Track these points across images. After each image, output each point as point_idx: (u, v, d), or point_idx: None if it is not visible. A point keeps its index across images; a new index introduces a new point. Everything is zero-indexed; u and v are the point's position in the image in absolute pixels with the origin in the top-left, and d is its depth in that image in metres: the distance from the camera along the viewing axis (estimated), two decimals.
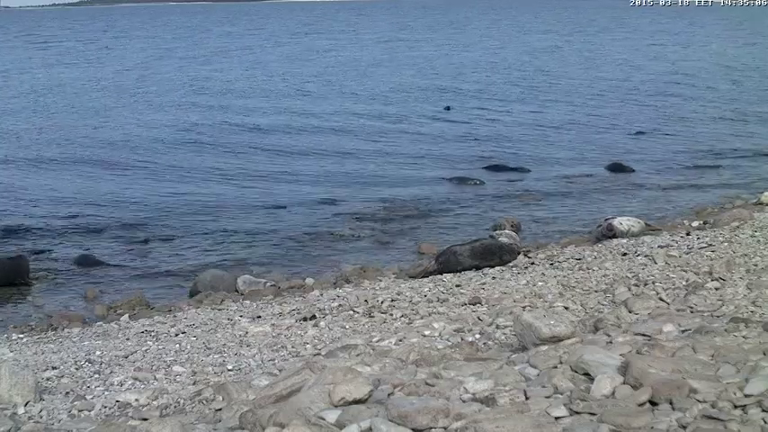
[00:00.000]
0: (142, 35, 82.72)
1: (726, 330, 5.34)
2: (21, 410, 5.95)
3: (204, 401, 5.70)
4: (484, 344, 6.93)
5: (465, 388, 4.25)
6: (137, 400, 6.10)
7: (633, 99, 31.17)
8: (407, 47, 59.09)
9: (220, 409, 5.19)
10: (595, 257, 10.45)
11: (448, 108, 28.76)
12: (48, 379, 6.95)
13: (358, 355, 6.48)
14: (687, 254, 9.78)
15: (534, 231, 14.12)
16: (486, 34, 73.53)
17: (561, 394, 4.05)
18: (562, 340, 5.43)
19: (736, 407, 3.64)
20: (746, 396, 3.72)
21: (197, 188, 17.68)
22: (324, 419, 3.88)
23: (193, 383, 6.57)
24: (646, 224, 12.74)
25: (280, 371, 6.43)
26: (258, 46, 63.55)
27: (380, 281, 10.77)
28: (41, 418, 5.88)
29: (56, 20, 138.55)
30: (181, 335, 8.50)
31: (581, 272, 9.55)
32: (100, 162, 20.28)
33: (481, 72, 40.70)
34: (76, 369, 7.28)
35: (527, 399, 4.02)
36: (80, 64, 48.41)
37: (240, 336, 8.12)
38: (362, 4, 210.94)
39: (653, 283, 8.38)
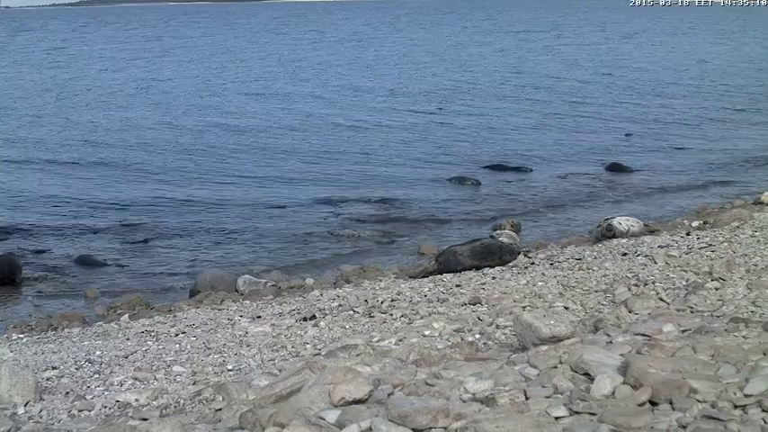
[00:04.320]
0: (137, 35, 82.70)
1: (726, 330, 5.34)
2: (21, 410, 5.95)
3: (204, 401, 5.70)
4: (484, 344, 6.92)
5: (465, 388, 4.24)
6: (137, 400, 6.10)
7: (632, 99, 31.16)
8: (403, 47, 59.09)
9: (220, 409, 5.18)
10: (595, 257, 10.44)
11: (440, 108, 28.75)
12: (48, 379, 6.95)
13: (358, 355, 6.48)
14: (687, 254, 9.78)
15: (534, 231, 14.13)
16: (477, 33, 73.54)
17: (561, 394, 4.05)
18: (562, 340, 5.42)
19: (736, 407, 3.64)
20: (746, 396, 3.71)
21: (197, 188, 17.69)
22: (324, 419, 3.88)
23: (193, 383, 6.57)
24: (645, 224, 12.74)
25: (280, 371, 6.43)
26: (258, 47, 63.55)
27: (380, 281, 10.76)
28: (41, 418, 5.88)
29: (41, 20, 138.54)
30: (181, 335, 8.49)
31: (581, 272, 9.55)
32: (100, 162, 20.28)
33: (476, 72, 40.69)
34: (76, 369, 7.27)
35: (527, 399, 4.01)
36: (72, 64, 48.44)
37: (240, 336, 8.12)
38: (363, 4, 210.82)
39: (653, 283, 8.37)
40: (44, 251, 13.30)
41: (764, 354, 4.41)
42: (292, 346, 7.54)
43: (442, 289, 9.57)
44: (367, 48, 58.65)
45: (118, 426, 4.79)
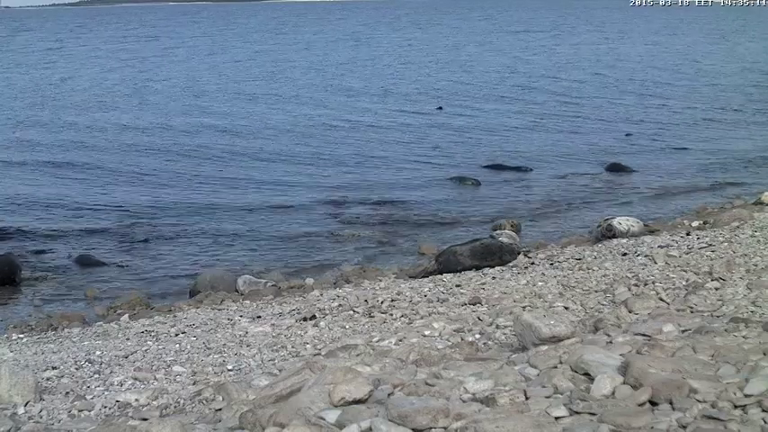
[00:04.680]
0: (136, 35, 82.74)
1: (726, 330, 5.34)
2: (21, 410, 5.95)
3: (204, 401, 5.70)
4: (484, 344, 6.92)
5: (465, 388, 4.24)
6: (137, 400, 6.10)
7: (632, 99, 31.17)
8: (402, 47, 59.08)
9: (220, 409, 5.18)
10: (595, 257, 10.44)
11: (440, 108, 28.77)
12: (48, 379, 6.95)
13: (358, 355, 6.48)
14: (687, 254, 9.78)
15: (534, 231, 14.13)
16: (477, 33, 73.52)
17: (561, 394, 4.05)
18: (562, 340, 5.42)
19: (736, 407, 3.64)
20: (746, 396, 3.71)
21: (197, 188, 17.69)
22: (324, 419, 3.88)
23: (193, 383, 6.57)
24: (645, 224, 12.74)
25: (280, 371, 6.43)
26: (257, 47, 63.54)
27: (380, 281, 10.76)
28: (41, 418, 5.88)
29: (40, 20, 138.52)
30: (181, 335, 8.50)
31: (581, 272, 9.55)
32: (99, 162, 20.28)
33: (475, 72, 40.68)
34: (76, 369, 7.28)
35: (527, 399, 4.01)
36: (69, 65, 48.45)
37: (240, 336, 8.12)
38: (362, 4, 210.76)
39: (653, 283, 8.37)
40: (44, 251, 13.29)
41: (764, 354, 4.41)
42: (292, 346, 7.54)
43: (442, 289, 9.57)
44: (366, 48, 58.65)
45: (118, 426, 4.79)
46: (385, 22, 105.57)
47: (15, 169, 19.53)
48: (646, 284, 8.35)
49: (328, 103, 30.33)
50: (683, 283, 8.21)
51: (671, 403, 3.73)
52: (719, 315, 6.37)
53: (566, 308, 7.95)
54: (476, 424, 3.60)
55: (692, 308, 6.81)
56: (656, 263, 9.38)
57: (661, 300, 7.52)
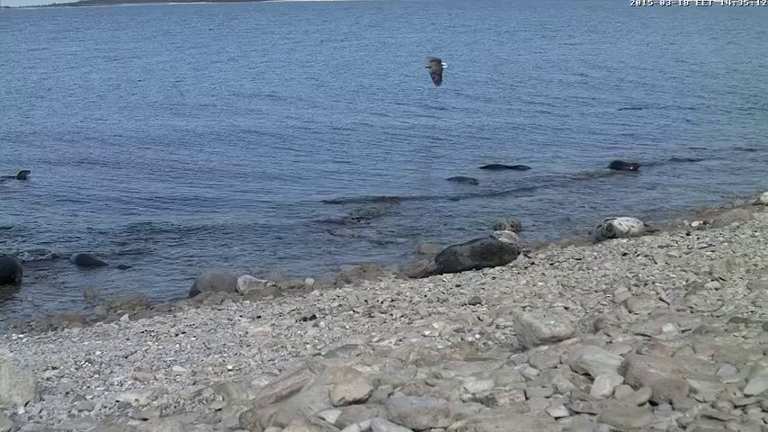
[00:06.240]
0: (126, 36, 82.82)
1: (726, 330, 5.34)
2: (21, 410, 5.95)
3: (204, 401, 5.70)
4: (484, 344, 6.92)
5: (465, 388, 4.24)
6: (137, 400, 6.10)
7: (632, 99, 31.17)
8: (403, 47, 59.07)
9: (220, 409, 5.19)
10: (595, 257, 10.44)
11: (441, 109, 28.71)
12: (48, 379, 6.95)
13: (358, 355, 6.48)
14: (687, 254, 9.78)
15: (534, 231, 14.13)
16: (477, 33, 73.51)
17: (561, 394, 4.05)
18: (562, 340, 5.42)
19: (736, 407, 3.64)
20: (746, 396, 3.72)
21: (197, 188, 17.69)
22: (324, 419, 3.88)
23: (193, 383, 6.57)
24: (645, 224, 12.74)
25: (280, 371, 6.43)
26: (261, 47, 63.55)
27: (380, 281, 10.76)
28: (41, 418, 5.88)
29: (38, 20, 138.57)
30: (181, 335, 8.50)
31: (581, 272, 9.55)
32: (99, 162, 20.30)
33: (475, 72, 40.66)
34: (76, 369, 7.28)
35: (527, 399, 4.01)
36: (65, 64, 48.49)
37: (240, 336, 8.12)
38: (362, 4, 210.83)
39: (653, 283, 8.37)
40: (44, 251, 13.29)
41: (764, 354, 4.41)
42: (292, 346, 7.54)
43: (441, 289, 9.57)
44: (365, 48, 58.62)
45: (118, 426, 4.80)
46: (385, 22, 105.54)
47: (15, 168, 19.50)
48: (646, 284, 8.35)
49: (328, 104, 30.32)
50: (683, 283, 8.21)
51: (671, 403, 3.73)
52: (719, 315, 6.37)
53: (566, 308, 7.95)
54: (476, 424, 3.60)
55: (692, 308, 6.81)
56: (656, 263, 9.38)
57: (661, 300, 7.52)
